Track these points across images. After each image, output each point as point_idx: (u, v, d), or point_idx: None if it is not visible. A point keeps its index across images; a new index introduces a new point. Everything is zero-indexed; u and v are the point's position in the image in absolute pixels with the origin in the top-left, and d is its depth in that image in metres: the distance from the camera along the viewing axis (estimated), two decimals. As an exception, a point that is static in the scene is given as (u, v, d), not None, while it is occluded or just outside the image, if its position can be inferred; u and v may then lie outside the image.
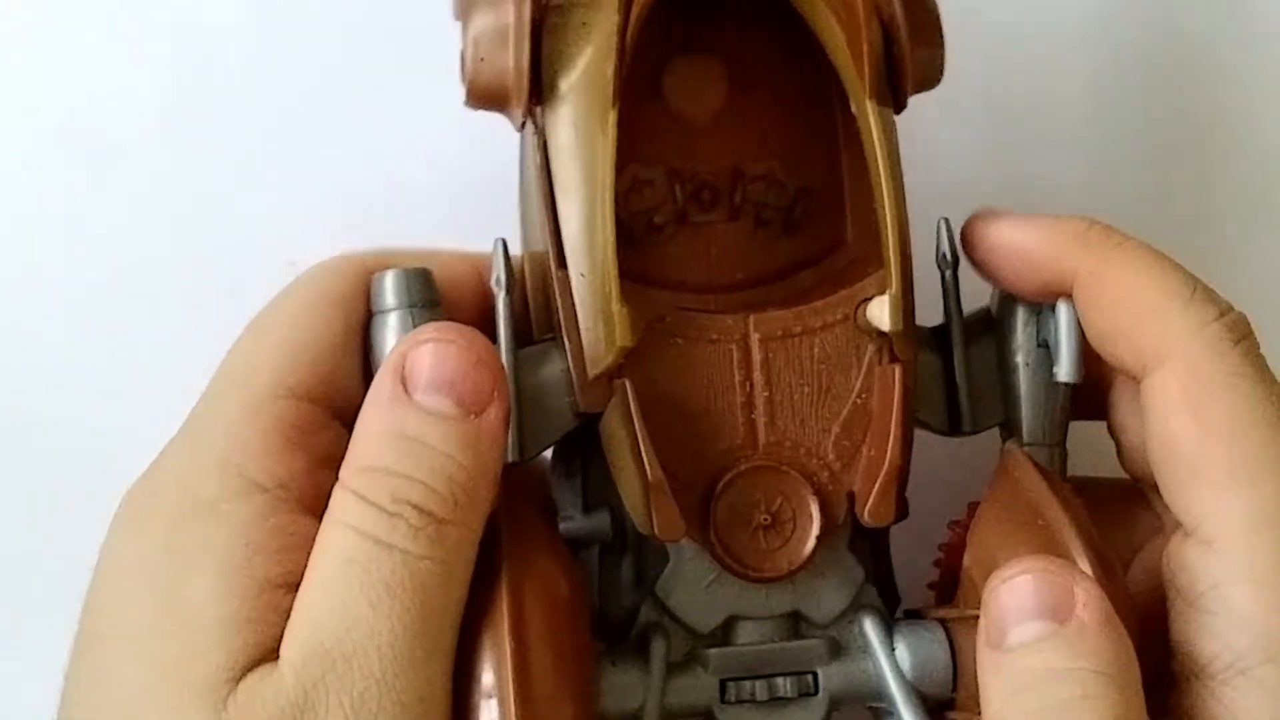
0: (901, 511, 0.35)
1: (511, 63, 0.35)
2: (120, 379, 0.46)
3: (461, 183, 0.45)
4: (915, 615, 0.37)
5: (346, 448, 0.33)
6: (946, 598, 0.37)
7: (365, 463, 0.32)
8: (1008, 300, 0.37)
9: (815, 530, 0.35)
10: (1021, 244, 0.36)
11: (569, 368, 0.35)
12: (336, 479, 0.33)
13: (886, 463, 0.34)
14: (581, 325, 0.34)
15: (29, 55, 0.47)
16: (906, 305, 0.35)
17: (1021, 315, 0.37)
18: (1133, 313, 0.34)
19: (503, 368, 0.34)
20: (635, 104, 0.34)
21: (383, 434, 0.33)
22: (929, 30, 0.37)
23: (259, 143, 0.46)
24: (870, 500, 0.34)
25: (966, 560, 0.35)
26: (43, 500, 0.46)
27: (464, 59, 0.36)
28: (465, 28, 0.36)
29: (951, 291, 0.37)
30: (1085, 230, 0.35)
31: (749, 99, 0.38)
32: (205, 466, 0.34)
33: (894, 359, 0.35)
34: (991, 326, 0.37)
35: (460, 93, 0.36)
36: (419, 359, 0.33)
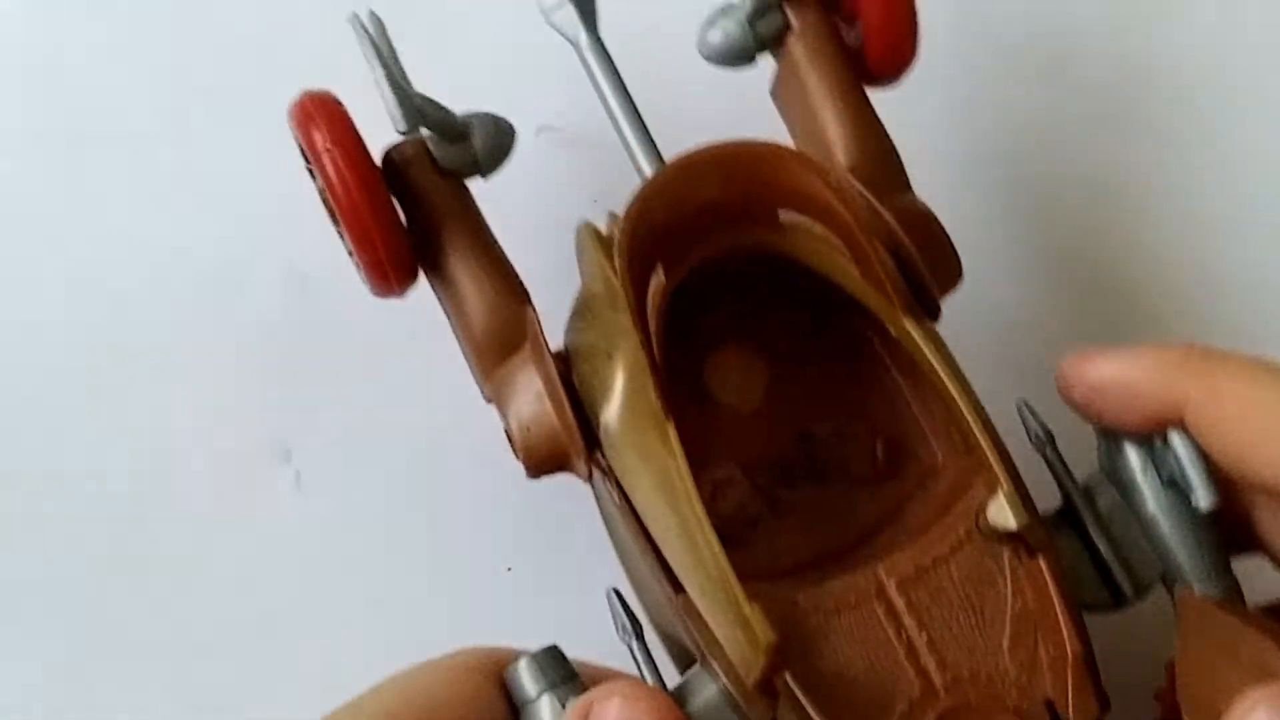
0: (1104, 701, 0.33)
1: (558, 422, 0.36)
2: (120, 380, 0.46)
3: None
4: None
5: None
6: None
7: None
8: (1115, 452, 0.36)
9: None
10: (1124, 379, 0.35)
11: (725, 687, 0.33)
12: None
13: (1069, 655, 0.33)
14: (721, 639, 0.33)
15: (28, 52, 0.48)
16: (1023, 496, 0.34)
17: (1137, 462, 0.36)
18: (1260, 427, 0.33)
19: None
20: (685, 412, 0.34)
21: None
22: (936, 242, 0.37)
23: (259, 142, 0.45)
24: (1070, 699, 0.33)
25: (1188, 723, 0.34)
26: (39, 502, 0.46)
27: (510, 437, 0.37)
28: (501, 407, 0.37)
29: (1059, 467, 0.36)
30: (1186, 355, 0.35)
31: (792, 368, 0.39)
32: None
33: (1033, 552, 0.34)
34: (1111, 485, 0.36)
35: (519, 468, 0.37)
36: (605, 713, 0.32)
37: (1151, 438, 0.35)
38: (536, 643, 0.35)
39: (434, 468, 0.45)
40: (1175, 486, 0.35)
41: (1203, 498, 0.34)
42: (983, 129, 0.50)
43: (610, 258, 0.36)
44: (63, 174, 0.49)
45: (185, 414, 0.47)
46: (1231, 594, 0.35)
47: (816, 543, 0.37)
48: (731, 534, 0.36)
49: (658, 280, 0.36)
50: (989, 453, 0.34)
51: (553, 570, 0.41)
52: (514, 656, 0.35)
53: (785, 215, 0.37)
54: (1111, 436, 0.36)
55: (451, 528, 0.46)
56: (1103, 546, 0.35)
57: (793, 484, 0.38)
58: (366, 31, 0.38)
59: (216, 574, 0.46)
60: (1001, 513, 0.34)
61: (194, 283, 0.48)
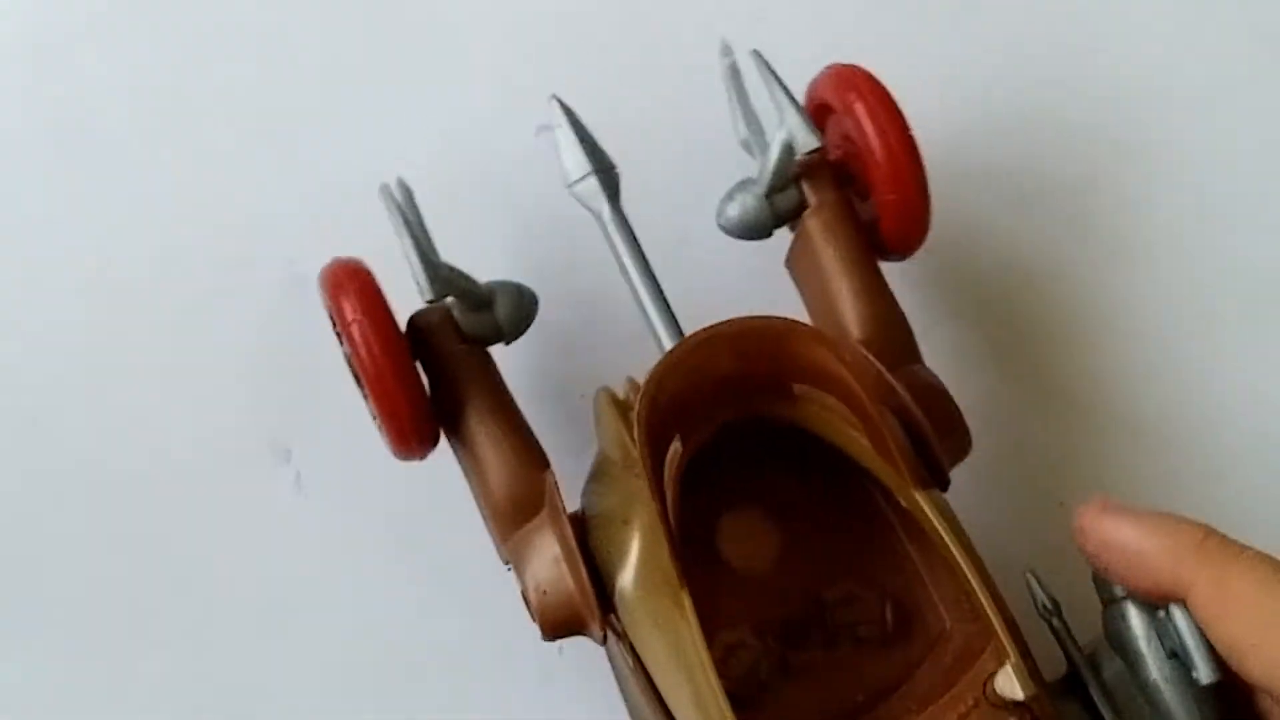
0: None
1: (573, 586, 0.36)
2: (121, 380, 0.47)
3: (464, 180, 0.44)
4: None
5: None
6: None
7: None
8: (1120, 620, 0.37)
9: None
10: (1136, 545, 0.35)
11: None
12: None
13: None
14: None
15: (27, 51, 0.48)
16: (1031, 668, 0.34)
17: (1141, 632, 0.36)
18: (1260, 628, 0.34)
19: None
20: (698, 574, 0.35)
21: None
22: (946, 414, 0.38)
23: (259, 142, 0.45)
24: None
25: None
26: (39, 503, 0.46)
27: (527, 600, 0.37)
28: (518, 571, 0.38)
29: (1065, 636, 0.37)
30: (1202, 539, 0.35)
31: (803, 533, 0.39)
32: None
33: None
34: (1114, 653, 0.37)
35: (534, 628, 0.37)
36: None
37: (1155, 607, 0.36)
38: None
39: (434, 467, 0.44)
40: (1178, 658, 0.36)
41: (1203, 673, 0.35)
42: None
43: (628, 425, 0.37)
44: (63, 174, 0.49)
45: (185, 414, 0.48)
46: None
47: (826, 705, 0.38)
48: (742, 696, 0.37)
49: (675, 448, 0.37)
50: (997, 624, 0.34)
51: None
52: None
53: (799, 387, 0.38)
54: (1116, 605, 0.37)
55: (451, 527, 0.45)
56: (1107, 715, 0.36)
57: (803, 646, 0.38)
58: (396, 203, 0.39)
59: (217, 573, 0.47)
60: (1010, 684, 0.34)
61: (194, 283, 0.48)
